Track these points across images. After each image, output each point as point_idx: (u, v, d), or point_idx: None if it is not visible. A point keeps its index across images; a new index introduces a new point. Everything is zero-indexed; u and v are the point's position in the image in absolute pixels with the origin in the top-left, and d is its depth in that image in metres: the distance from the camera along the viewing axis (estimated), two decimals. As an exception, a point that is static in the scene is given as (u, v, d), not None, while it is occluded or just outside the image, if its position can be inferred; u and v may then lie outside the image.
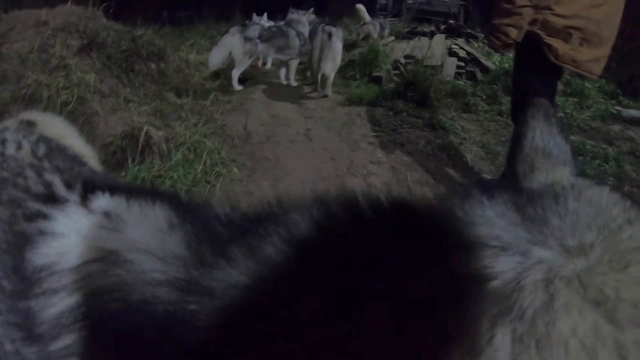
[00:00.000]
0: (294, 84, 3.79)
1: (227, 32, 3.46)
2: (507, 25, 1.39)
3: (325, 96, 3.51)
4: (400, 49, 5.02)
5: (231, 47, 3.38)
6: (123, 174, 2.12)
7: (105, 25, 3.27)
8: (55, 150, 0.67)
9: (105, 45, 3.09)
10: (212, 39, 7.23)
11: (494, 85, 3.86)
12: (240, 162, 2.41)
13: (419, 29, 6.75)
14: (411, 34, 6.13)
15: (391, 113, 3.18)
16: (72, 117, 2.40)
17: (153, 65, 3.49)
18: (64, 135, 0.86)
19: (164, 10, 10.13)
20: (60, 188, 0.52)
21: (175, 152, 2.26)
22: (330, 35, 3.22)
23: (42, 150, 0.64)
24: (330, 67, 3.31)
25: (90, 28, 3.09)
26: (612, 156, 2.73)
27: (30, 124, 0.80)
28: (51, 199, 0.50)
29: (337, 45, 3.26)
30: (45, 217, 0.47)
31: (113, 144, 2.27)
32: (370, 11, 9.59)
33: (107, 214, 0.44)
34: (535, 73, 1.54)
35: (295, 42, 3.60)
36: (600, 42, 1.41)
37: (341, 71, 4.14)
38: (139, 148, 2.15)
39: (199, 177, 2.12)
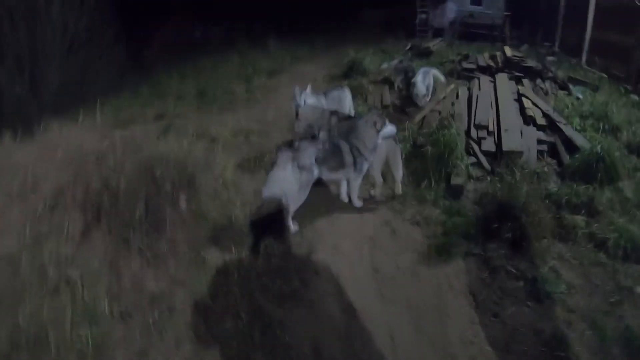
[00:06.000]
0: (358, 204, 2.88)
1: (274, 163, 2.53)
2: None
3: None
4: (463, 102, 4.08)
5: (284, 182, 2.49)
6: None
7: (113, 169, 2.42)
8: None
9: (117, 209, 2.27)
10: (248, 82, 6.00)
11: (589, 185, 2.93)
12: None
13: (469, 53, 5.74)
14: (467, 72, 5.16)
15: (487, 274, 2.39)
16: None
17: (183, 204, 2.65)
18: None
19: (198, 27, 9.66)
20: None
21: None
22: None
23: None
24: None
25: (93, 188, 2.26)
26: None
27: None
28: None
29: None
30: None
31: None
32: (409, 28, 8.33)
33: None
34: None
35: (349, 158, 2.71)
36: None
37: (408, 166, 3.25)
38: None
39: None
